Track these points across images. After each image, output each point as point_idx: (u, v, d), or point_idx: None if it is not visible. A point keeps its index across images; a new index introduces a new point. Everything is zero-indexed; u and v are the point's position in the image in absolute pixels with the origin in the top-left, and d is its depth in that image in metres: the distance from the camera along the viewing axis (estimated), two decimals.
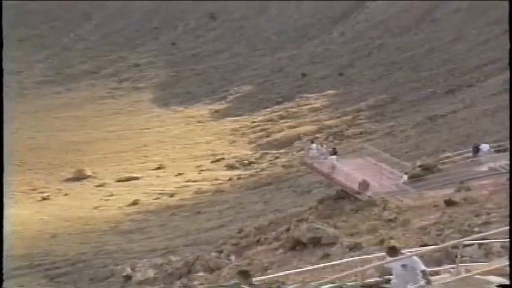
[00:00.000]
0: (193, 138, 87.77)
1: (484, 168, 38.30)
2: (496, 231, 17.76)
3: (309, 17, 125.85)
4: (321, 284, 14.61)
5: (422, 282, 11.96)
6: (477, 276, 12.09)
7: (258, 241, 37.46)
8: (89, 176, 75.14)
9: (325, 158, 43.33)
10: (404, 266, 12.02)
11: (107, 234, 55.44)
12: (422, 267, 12.15)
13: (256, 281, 12.26)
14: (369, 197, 36.37)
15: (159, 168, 76.21)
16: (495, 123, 57.74)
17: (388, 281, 12.85)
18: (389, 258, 12.49)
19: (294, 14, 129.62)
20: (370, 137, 69.93)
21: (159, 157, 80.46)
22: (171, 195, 65.52)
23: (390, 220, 30.19)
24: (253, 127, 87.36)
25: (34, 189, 72.68)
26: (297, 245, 29.81)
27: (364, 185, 37.17)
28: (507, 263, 13.15)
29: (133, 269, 41.28)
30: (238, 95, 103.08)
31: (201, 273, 33.01)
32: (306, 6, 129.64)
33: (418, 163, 43.64)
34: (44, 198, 69.23)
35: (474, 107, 68.01)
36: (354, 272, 14.14)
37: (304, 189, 56.60)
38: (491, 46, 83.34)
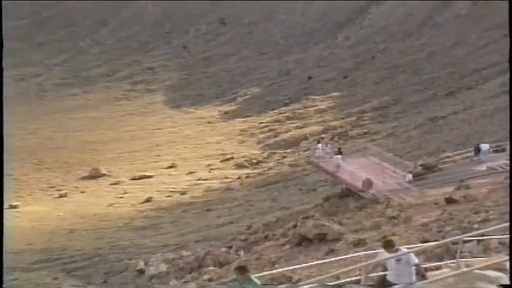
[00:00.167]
0: (203, 138, 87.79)
1: (483, 167, 38.27)
2: (494, 228, 17.77)
3: (315, 22, 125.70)
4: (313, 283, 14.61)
5: (414, 277, 11.96)
6: (476, 270, 12.09)
7: (265, 237, 37.47)
8: (104, 175, 75.21)
9: (331, 158, 43.36)
10: (398, 260, 12.01)
11: (121, 230, 55.51)
12: (416, 261, 12.14)
13: (255, 277, 12.25)
14: (373, 195, 36.40)
15: (171, 167, 76.23)
16: (494, 124, 57.64)
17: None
18: (383, 251, 12.49)
19: (301, 19, 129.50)
20: (373, 137, 69.84)
21: (171, 156, 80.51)
22: (183, 193, 65.55)
23: (393, 217, 30.20)
24: (261, 128, 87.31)
25: (52, 187, 72.84)
26: (303, 241, 29.83)
27: (368, 184, 37.19)
28: (505, 258, 13.16)
29: (146, 264, 41.36)
30: (247, 96, 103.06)
31: (211, 268, 33.06)
32: (312, 11, 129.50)
33: (420, 162, 43.66)
34: (61, 196, 69.34)
35: (473, 108, 67.85)
36: (358, 266, 14.16)
37: (310, 187, 56.56)
38: (490, 50, 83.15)
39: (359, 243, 25.93)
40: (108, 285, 41.91)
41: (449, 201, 30.41)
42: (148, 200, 63.98)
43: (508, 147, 41.06)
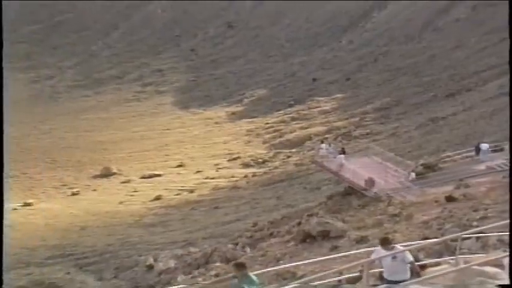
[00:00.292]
0: (211, 138, 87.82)
1: (482, 166, 38.20)
2: (492, 225, 17.72)
3: (319, 26, 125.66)
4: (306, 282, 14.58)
5: (409, 274, 11.92)
6: (475, 266, 12.06)
7: (271, 234, 37.47)
8: (115, 173, 75.32)
9: (334, 157, 43.29)
10: (394, 257, 11.97)
11: (131, 227, 55.56)
12: (411, 259, 12.10)
13: (258, 273, 12.23)
14: (375, 193, 36.35)
15: (179, 166, 76.28)
16: (492, 124, 57.52)
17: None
18: (380, 248, 12.44)
19: (305, 23, 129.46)
20: (375, 138, 69.73)
21: (179, 156, 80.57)
22: (191, 191, 65.55)
23: (394, 215, 30.17)
24: (267, 128, 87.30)
25: (65, 185, 72.98)
26: (308, 238, 29.81)
27: (370, 182, 37.14)
28: (502, 254, 13.12)
29: (155, 260, 41.42)
30: (253, 98, 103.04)
31: (218, 264, 33.07)
32: (316, 16, 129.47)
33: (421, 162, 43.59)
34: (74, 194, 69.46)
35: (473, 109, 67.70)
36: (360, 262, 14.13)
37: (315, 186, 56.50)
38: (489, 53, 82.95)
39: (361, 240, 25.92)
40: (119, 280, 42.00)
41: (449, 199, 30.36)
42: (157, 198, 64.01)
43: (506, 147, 41.03)
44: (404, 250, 12.41)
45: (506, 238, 18.15)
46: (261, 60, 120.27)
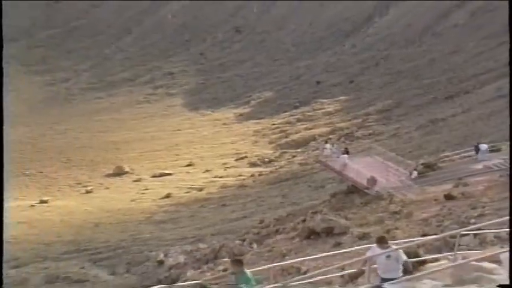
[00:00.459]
0: (219, 138, 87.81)
1: (480, 166, 38.15)
2: (490, 222, 17.71)
3: (323, 31, 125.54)
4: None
5: (401, 273, 11.91)
6: (473, 262, 12.04)
7: (277, 231, 37.46)
8: (127, 172, 75.38)
9: (338, 157, 43.31)
10: (388, 256, 11.96)
11: (142, 223, 55.62)
12: (404, 258, 12.09)
13: (260, 269, 12.24)
14: (377, 191, 36.34)
15: (189, 165, 76.27)
16: (489, 126, 57.47)
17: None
18: (375, 246, 12.43)
19: (310, 28, 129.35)
20: (377, 138, 69.63)
21: (189, 155, 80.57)
22: (200, 190, 65.55)
23: (395, 212, 30.16)
24: (273, 129, 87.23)
25: (79, 184, 73.09)
26: (312, 234, 29.82)
27: (372, 181, 37.13)
28: (500, 250, 13.10)
29: (166, 255, 41.51)
30: (260, 100, 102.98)
31: (226, 259, 33.08)
32: (320, 21, 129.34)
33: (421, 161, 43.54)
34: (87, 192, 69.57)
35: (471, 111, 67.57)
36: (362, 258, 14.12)
37: (319, 184, 56.46)
38: (486, 57, 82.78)
39: (364, 237, 25.90)
40: (131, 275, 42.08)
41: (448, 197, 30.34)
42: (167, 196, 64.04)
43: (503, 147, 41.03)
44: (398, 248, 12.40)
45: (503, 235, 18.14)
46: (267, 63, 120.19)
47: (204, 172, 72.65)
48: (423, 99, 79.40)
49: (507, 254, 11.80)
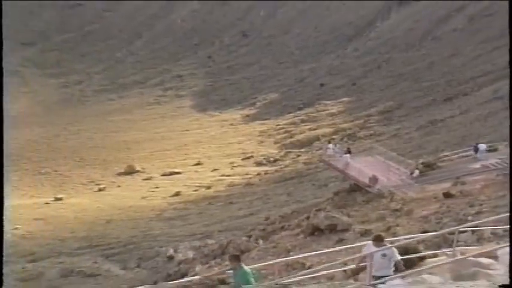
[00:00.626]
0: (226, 138, 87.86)
1: (477, 165, 38.11)
2: (487, 219, 17.68)
3: (327, 35, 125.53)
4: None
5: (392, 271, 11.93)
6: (470, 258, 12.05)
7: (282, 227, 37.43)
8: (138, 171, 75.47)
9: (340, 156, 43.27)
10: (383, 255, 11.98)
11: (153, 220, 55.66)
12: (398, 258, 12.12)
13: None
14: (378, 190, 36.30)
15: (197, 164, 76.32)
16: (487, 126, 57.37)
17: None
18: (371, 244, 12.44)
19: (314, 32, 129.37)
20: (379, 138, 69.56)
21: (197, 155, 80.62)
22: (208, 188, 65.59)
23: (396, 210, 30.13)
24: (278, 129, 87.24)
25: (92, 182, 73.22)
26: (316, 231, 29.79)
27: (374, 180, 37.10)
28: (496, 247, 13.11)
29: (175, 251, 41.57)
30: (266, 101, 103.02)
31: None
32: (324, 26, 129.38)
33: (421, 161, 43.47)
34: (100, 190, 69.67)
35: (469, 112, 67.44)
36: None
37: (322, 183, 56.42)
38: (484, 61, 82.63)
39: (366, 233, 25.87)
40: (141, 269, 42.15)
41: (447, 195, 30.30)
42: (177, 194, 64.09)
43: (500, 147, 41.00)
44: (391, 246, 12.41)
45: (500, 231, 18.15)
46: (272, 66, 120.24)
47: (211, 171, 72.68)
48: (423, 101, 79.30)
49: (504, 250, 11.82)
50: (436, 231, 20.59)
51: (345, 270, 15.65)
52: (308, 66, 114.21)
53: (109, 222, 56.07)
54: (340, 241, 26.13)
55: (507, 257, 10.21)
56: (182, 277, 28.55)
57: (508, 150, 38.06)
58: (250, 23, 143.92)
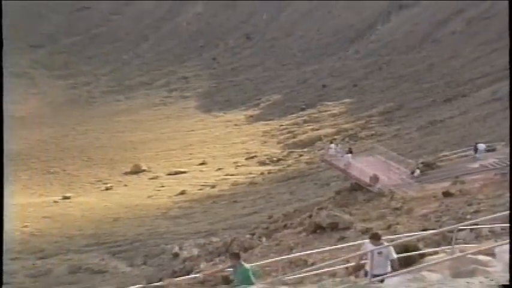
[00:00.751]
0: (231, 139, 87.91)
1: (476, 165, 38.08)
2: (485, 218, 17.67)
3: (329, 37, 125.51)
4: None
5: (389, 269, 11.94)
6: (469, 255, 12.06)
7: (285, 226, 37.42)
8: (144, 170, 75.57)
9: (342, 156, 43.23)
10: (380, 253, 11.98)
11: (158, 218, 55.74)
12: (394, 256, 12.13)
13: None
14: (379, 189, 36.27)
15: (202, 164, 76.40)
16: (485, 127, 57.32)
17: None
18: (368, 242, 12.45)
19: (316, 35, 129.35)
20: (380, 138, 69.52)
21: (202, 155, 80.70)
22: (212, 187, 65.65)
23: (396, 208, 30.10)
24: (281, 130, 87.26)
25: (99, 181, 73.35)
26: (318, 229, 29.77)
27: (375, 179, 37.07)
28: (494, 244, 13.12)
29: (180, 248, 41.55)
30: (269, 102, 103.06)
31: (237, 252, 33.00)
32: (326, 28, 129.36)
33: (420, 161, 43.45)
34: (107, 188, 69.80)
35: (468, 113, 67.37)
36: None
37: (324, 182, 56.42)
38: (482, 63, 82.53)
39: (366, 231, 25.83)
40: (147, 266, 42.18)
41: (446, 194, 30.27)
42: (182, 193, 64.17)
43: (498, 147, 40.97)
44: (388, 245, 12.43)
45: (498, 229, 18.16)
46: (276, 68, 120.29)
47: (216, 170, 72.74)
48: (423, 102, 79.25)
49: (501, 248, 11.85)
50: (435, 229, 20.60)
51: (346, 267, 15.67)
52: (310, 68, 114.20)
53: (116, 220, 56.19)
54: (342, 239, 26.12)
55: (505, 255, 10.24)
56: (187, 274, 28.58)
57: (506, 150, 38.12)
58: (253, 26, 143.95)
